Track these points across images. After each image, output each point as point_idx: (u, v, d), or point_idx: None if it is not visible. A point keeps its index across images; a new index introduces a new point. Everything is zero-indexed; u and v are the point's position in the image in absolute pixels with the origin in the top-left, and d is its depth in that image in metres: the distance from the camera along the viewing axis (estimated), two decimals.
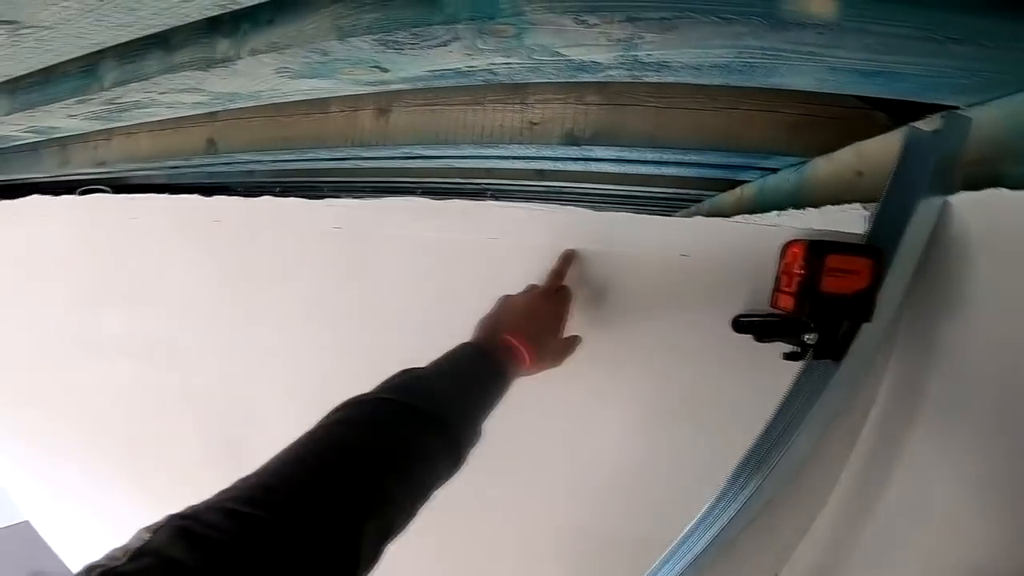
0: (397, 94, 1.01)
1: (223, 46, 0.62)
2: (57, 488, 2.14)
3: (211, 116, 1.18)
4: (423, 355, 0.57)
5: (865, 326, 0.51)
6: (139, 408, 1.35)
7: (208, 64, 0.62)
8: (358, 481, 0.40)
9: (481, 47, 0.50)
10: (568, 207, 1.15)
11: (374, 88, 0.71)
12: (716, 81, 0.53)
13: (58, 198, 1.27)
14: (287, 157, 1.16)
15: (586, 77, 0.50)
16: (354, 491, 0.39)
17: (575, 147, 0.82)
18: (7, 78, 0.73)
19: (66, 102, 0.79)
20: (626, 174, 1.22)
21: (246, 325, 1.11)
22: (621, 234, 0.72)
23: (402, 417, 0.46)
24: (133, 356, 1.27)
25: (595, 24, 0.39)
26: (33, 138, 1.03)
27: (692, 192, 1.31)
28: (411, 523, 0.43)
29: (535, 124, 0.92)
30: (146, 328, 1.23)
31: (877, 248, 0.50)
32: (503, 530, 0.96)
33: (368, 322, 0.96)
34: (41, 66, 0.68)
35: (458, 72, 0.58)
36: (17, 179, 1.91)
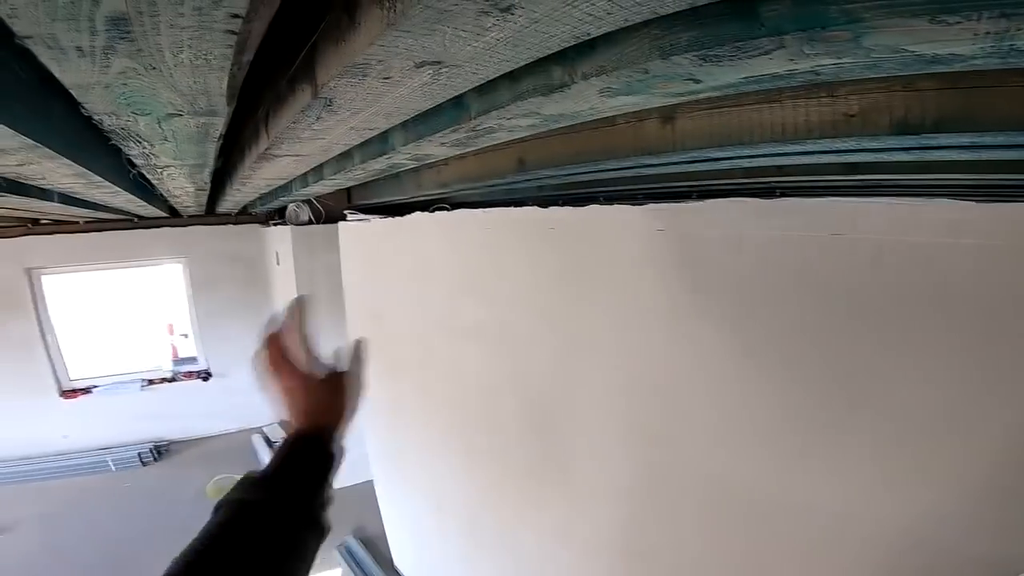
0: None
1: (558, 73, 0.73)
2: (397, 451, 2.71)
3: (522, 138, 1.39)
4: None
5: None
6: (477, 386, 1.66)
7: (549, 90, 0.74)
8: None
9: (808, 52, 0.49)
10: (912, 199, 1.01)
11: (682, 98, 0.75)
12: None
13: (433, 214, 1.68)
14: (580, 170, 1.29)
15: (939, 68, 0.45)
16: None
17: (911, 136, 0.71)
18: (416, 113, 1.00)
19: (443, 132, 1.03)
20: (979, 161, 0.98)
21: (573, 318, 1.27)
22: None
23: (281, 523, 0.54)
24: (481, 341, 1.57)
25: (956, 23, 0.35)
26: (411, 165, 1.38)
27: None
28: None
29: (852, 116, 0.83)
30: (492, 317, 1.51)
31: None
32: None
33: (693, 321, 1.03)
34: (444, 99, 0.88)
35: (776, 76, 0.59)
36: (386, 201, 2.54)
